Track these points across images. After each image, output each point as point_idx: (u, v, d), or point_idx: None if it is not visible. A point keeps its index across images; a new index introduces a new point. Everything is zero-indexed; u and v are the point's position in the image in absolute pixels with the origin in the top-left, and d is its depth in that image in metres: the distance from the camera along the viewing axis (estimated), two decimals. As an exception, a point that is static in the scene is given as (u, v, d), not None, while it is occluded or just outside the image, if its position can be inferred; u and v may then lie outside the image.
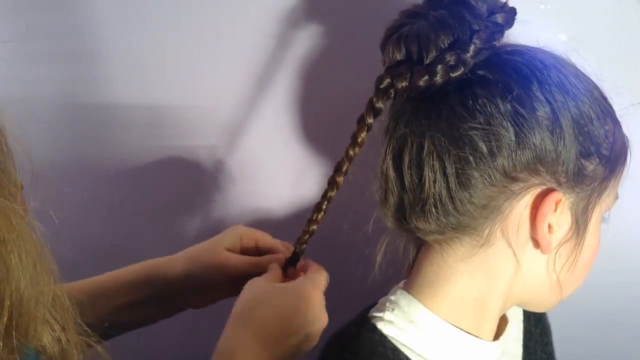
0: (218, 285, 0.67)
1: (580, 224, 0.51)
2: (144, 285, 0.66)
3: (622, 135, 0.53)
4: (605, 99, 0.52)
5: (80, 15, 0.75)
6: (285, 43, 0.74)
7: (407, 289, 0.56)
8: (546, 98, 0.48)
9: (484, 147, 0.48)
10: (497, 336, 0.58)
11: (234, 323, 0.56)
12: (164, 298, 0.67)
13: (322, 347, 0.57)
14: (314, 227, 0.60)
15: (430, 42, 0.48)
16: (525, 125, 0.47)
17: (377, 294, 0.59)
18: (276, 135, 0.80)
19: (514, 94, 0.48)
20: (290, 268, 0.65)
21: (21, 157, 0.42)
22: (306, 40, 0.74)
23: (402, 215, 0.53)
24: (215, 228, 0.72)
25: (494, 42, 0.50)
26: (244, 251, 0.69)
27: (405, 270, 0.60)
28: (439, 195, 0.50)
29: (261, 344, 0.54)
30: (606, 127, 0.51)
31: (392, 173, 0.52)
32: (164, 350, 0.92)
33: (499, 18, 0.50)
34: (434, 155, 0.49)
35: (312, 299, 0.58)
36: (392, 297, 0.56)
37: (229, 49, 0.75)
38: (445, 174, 0.49)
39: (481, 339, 0.55)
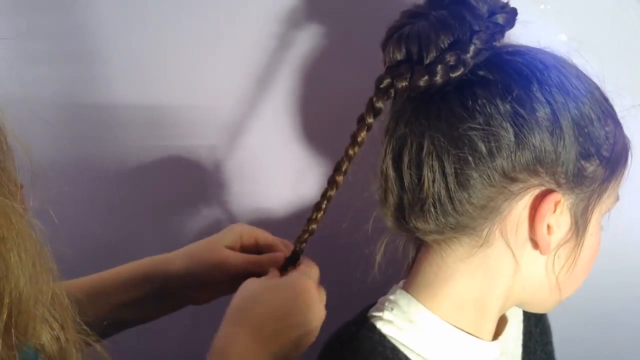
0: (218, 283, 0.67)
1: (579, 225, 0.51)
2: (143, 283, 0.66)
3: (623, 137, 0.53)
4: (606, 100, 0.52)
5: (80, 15, 0.75)
6: (285, 43, 0.74)
7: (407, 288, 0.56)
8: (546, 99, 0.48)
9: (483, 148, 0.48)
10: (496, 336, 0.58)
11: (228, 321, 0.56)
12: (164, 295, 0.67)
13: (321, 347, 0.57)
14: (314, 226, 0.60)
15: (430, 43, 0.48)
16: (525, 126, 0.47)
17: (376, 293, 0.59)
18: (276, 135, 0.80)
19: (514, 94, 0.48)
20: (290, 267, 0.65)
21: (21, 157, 0.42)
22: (306, 40, 0.74)
23: (401, 214, 0.53)
24: (215, 228, 0.72)
25: (495, 43, 0.50)
26: (244, 249, 0.69)
27: (405, 270, 0.60)
28: (438, 195, 0.50)
29: (257, 341, 0.54)
30: (607, 129, 0.51)
31: (391, 172, 0.52)
32: (164, 350, 0.92)
33: (500, 18, 0.50)
34: (434, 155, 0.49)
35: (307, 292, 0.58)
36: (392, 297, 0.56)
37: (229, 49, 0.75)
38: (444, 174, 0.49)
39: (480, 338, 0.55)
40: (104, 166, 0.83)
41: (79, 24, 0.75)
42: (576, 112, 0.49)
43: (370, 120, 0.52)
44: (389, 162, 0.52)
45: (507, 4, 0.51)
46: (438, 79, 0.48)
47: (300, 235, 0.62)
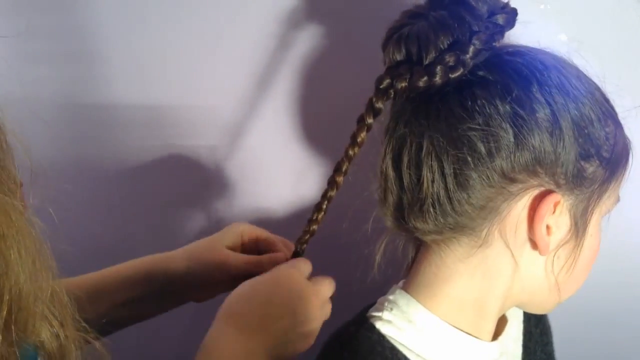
0: (218, 283, 0.67)
1: (579, 226, 0.51)
2: (144, 281, 0.66)
3: (624, 137, 0.53)
4: (607, 100, 0.52)
5: (80, 15, 0.75)
6: (286, 43, 0.74)
7: (406, 288, 0.56)
8: (546, 99, 0.48)
9: (482, 148, 0.48)
10: (495, 336, 0.58)
11: (218, 321, 0.56)
12: (164, 293, 0.67)
13: (321, 347, 0.57)
14: (314, 227, 0.60)
15: (429, 43, 0.48)
16: (525, 127, 0.47)
17: (376, 293, 0.59)
18: (276, 135, 0.80)
19: (514, 95, 0.48)
20: None
21: (21, 156, 0.42)
22: (306, 40, 0.74)
23: (400, 214, 0.53)
24: (215, 228, 0.72)
25: (494, 43, 0.50)
26: (245, 248, 0.69)
27: (404, 270, 0.60)
28: (437, 196, 0.50)
29: (248, 336, 0.54)
30: (607, 129, 0.50)
31: (391, 172, 0.52)
32: (164, 350, 0.92)
33: (500, 19, 0.49)
34: (433, 155, 0.49)
35: (289, 279, 0.58)
36: (391, 297, 0.56)
37: (229, 49, 0.75)
38: (443, 174, 0.49)
39: (479, 339, 0.55)
40: (104, 166, 0.83)
41: (79, 24, 0.75)
42: (576, 112, 0.49)
43: (370, 120, 0.52)
44: (388, 162, 0.52)
45: (507, 4, 0.51)
46: (437, 79, 0.48)
47: (301, 236, 0.62)
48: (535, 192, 0.49)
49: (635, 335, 0.87)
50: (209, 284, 0.67)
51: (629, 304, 0.84)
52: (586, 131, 0.49)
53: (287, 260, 0.65)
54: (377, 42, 0.53)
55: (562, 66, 0.50)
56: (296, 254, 0.64)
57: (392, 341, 0.54)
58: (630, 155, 0.54)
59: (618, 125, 0.52)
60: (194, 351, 0.54)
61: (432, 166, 0.49)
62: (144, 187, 0.84)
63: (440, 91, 0.50)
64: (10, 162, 0.41)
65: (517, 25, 0.51)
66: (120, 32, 0.76)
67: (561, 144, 0.48)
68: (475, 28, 0.48)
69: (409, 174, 0.51)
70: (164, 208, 0.86)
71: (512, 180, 0.49)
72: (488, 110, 0.48)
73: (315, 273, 0.62)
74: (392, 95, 0.51)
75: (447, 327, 0.54)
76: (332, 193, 0.58)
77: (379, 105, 0.51)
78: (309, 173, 0.81)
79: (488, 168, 0.48)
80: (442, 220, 0.51)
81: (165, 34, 0.75)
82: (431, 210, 0.50)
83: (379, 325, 0.55)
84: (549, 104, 0.48)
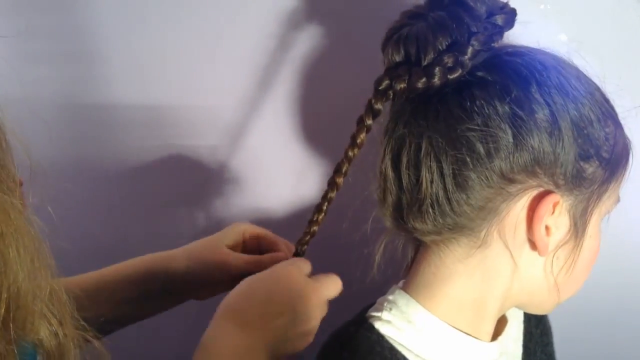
0: (218, 282, 0.67)
1: (578, 227, 0.51)
2: (144, 280, 0.66)
3: (624, 138, 0.53)
4: (607, 101, 0.52)
5: (80, 15, 0.75)
6: (286, 43, 0.74)
7: (406, 289, 0.56)
8: (545, 100, 0.48)
9: (481, 149, 0.48)
10: (495, 337, 0.58)
11: (216, 318, 0.55)
12: (164, 292, 0.67)
13: (320, 347, 0.57)
14: (315, 228, 0.60)
15: (428, 44, 0.48)
16: (523, 127, 0.47)
17: (375, 293, 0.59)
18: (276, 136, 0.80)
19: (513, 95, 0.48)
20: None
21: (20, 155, 0.42)
22: (306, 40, 0.74)
23: (399, 215, 0.53)
24: (216, 228, 0.72)
25: (493, 44, 0.50)
26: (246, 248, 0.69)
27: (404, 270, 0.60)
28: (436, 196, 0.50)
29: (247, 332, 0.53)
30: (607, 130, 0.50)
31: (390, 173, 0.52)
32: (164, 350, 0.92)
33: (499, 19, 0.49)
34: (432, 156, 0.49)
35: (287, 276, 0.57)
36: (390, 297, 0.56)
37: (229, 49, 0.75)
38: (442, 175, 0.49)
39: (479, 339, 0.55)
40: (104, 166, 0.83)
41: (79, 24, 0.76)
42: (575, 113, 0.49)
43: (369, 121, 0.52)
44: (387, 162, 0.52)
45: (506, 5, 0.51)
46: (436, 80, 0.48)
47: (302, 237, 0.62)
48: (534, 192, 0.49)
49: (635, 335, 0.87)
50: (209, 283, 0.67)
51: (629, 304, 0.84)
52: (585, 132, 0.49)
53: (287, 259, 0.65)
54: (377, 43, 0.53)
55: (561, 66, 0.50)
56: (296, 255, 0.64)
57: (392, 341, 0.54)
58: (630, 155, 0.54)
59: (618, 125, 0.52)
60: (194, 351, 0.54)
61: (431, 167, 0.49)
62: (144, 187, 0.84)
63: (440, 92, 0.49)
64: (10, 161, 0.41)
65: (517, 25, 0.51)
66: (120, 32, 0.76)
67: (560, 144, 0.48)
68: (474, 29, 0.48)
69: (408, 174, 0.51)
70: (164, 208, 0.86)
71: (511, 181, 0.49)
72: (487, 111, 0.48)
73: (316, 273, 0.62)
74: (391, 96, 0.51)
75: (446, 328, 0.54)
76: (332, 194, 0.58)
77: (378, 106, 0.51)
78: (309, 173, 0.81)
79: (487, 169, 0.48)
80: (441, 220, 0.51)
81: (165, 34, 0.75)
82: (430, 210, 0.50)
83: (378, 325, 0.55)
84: (548, 105, 0.48)
